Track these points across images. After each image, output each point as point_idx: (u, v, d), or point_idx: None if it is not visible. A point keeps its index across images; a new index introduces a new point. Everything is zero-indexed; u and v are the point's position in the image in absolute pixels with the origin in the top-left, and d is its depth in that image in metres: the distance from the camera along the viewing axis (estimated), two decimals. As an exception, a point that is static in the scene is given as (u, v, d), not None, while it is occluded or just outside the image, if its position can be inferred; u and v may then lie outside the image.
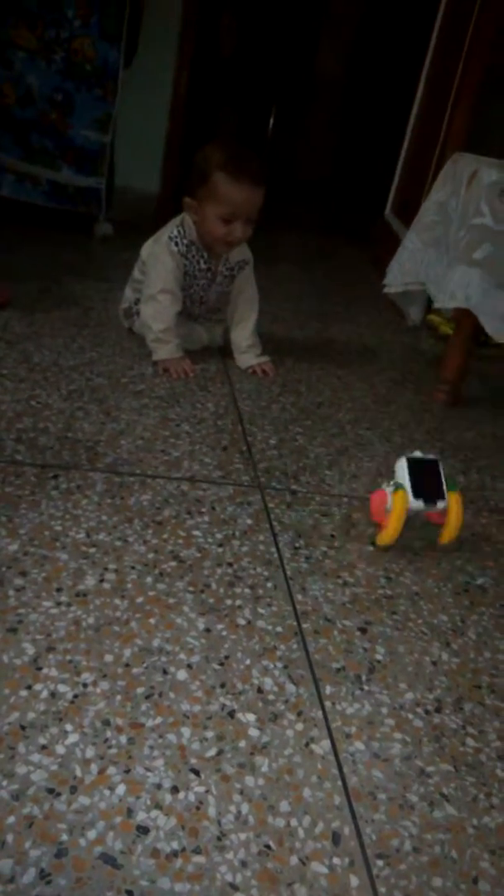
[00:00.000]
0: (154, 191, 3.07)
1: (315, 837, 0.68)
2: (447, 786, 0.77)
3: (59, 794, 0.67)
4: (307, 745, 0.78)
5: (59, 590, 0.92)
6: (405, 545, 1.16)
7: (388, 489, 1.13)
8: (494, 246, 1.49)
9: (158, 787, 0.70)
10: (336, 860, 0.67)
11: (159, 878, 0.62)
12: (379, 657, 0.92)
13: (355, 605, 1.01)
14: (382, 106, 3.96)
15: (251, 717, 0.79)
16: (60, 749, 0.71)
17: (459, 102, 2.11)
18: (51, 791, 0.67)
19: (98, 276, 2.19)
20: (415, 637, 0.97)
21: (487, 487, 1.41)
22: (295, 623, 0.95)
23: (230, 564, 1.04)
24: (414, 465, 1.13)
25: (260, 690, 0.83)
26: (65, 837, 0.64)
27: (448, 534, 1.15)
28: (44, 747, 0.71)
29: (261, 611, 0.96)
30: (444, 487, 1.13)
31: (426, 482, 1.12)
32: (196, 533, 1.09)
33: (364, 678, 0.88)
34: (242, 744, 0.76)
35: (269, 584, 1.01)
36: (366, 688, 0.87)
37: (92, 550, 1.01)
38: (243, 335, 1.75)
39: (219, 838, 0.66)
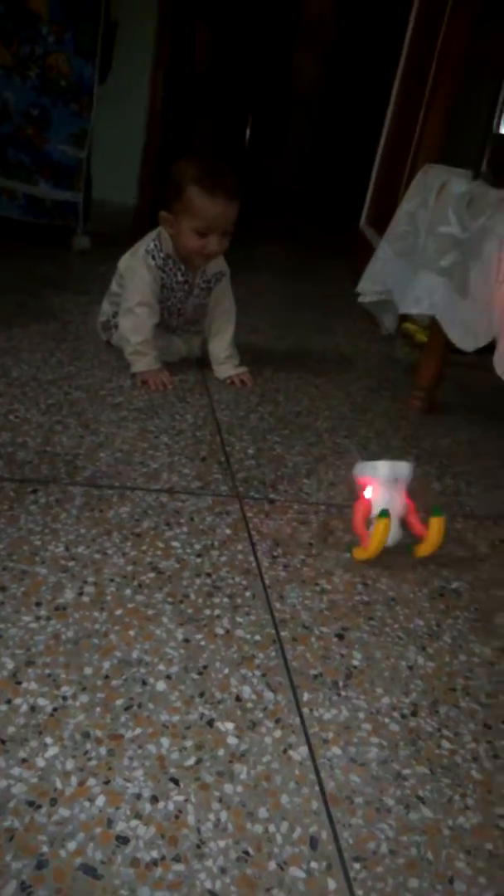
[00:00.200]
0: (131, 204, 3.09)
1: (293, 842, 0.70)
2: (423, 788, 0.78)
3: (39, 807, 0.68)
4: (285, 751, 0.79)
5: (38, 604, 0.92)
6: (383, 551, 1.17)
7: (374, 511, 1.14)
8: (460, 255, 1.52)
9: (138, 797, 0.71)
10: (314, 864, 0.68)
11: (139, 887, 0.63)
12: (356, 663, 0.94)
13: (332, 611, 1.02)
14: (357, 117, 4.01)
15: (230, 725, 0.81)
16: (40, 762, 0.72)
17: (430, 115, 2.14)
18: (31, 804, 0.68)
19: (76, 290, 2.20)
20: (391, 642, 0.99)
21: (462, 493, 1.43)
22: (273, 631, 0.96)
23: (209, 574, 1.05)
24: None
25: (238, 699, 0.84)
26: (45, 849, 0.64)
27: (425, 549, 1.17)
28: (24, 760, 0.72)
29: (239, 620, 0.97)
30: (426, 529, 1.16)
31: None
32: (175, 544, 1.11)
33: (341, 684, 0.90)
34: (221, 752, 0.77)
35: (248, 593, 1.03)
36: (343, 693, 0.88)
37: (71, 564, 1.01)
38: (221, 346, 1.76)
39: (198, 846, 0.67)
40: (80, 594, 0.96)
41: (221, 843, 0.68)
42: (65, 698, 0.80)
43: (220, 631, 0.94)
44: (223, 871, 0.66)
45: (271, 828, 0.70)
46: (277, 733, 0.81)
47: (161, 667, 0.86)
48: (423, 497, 1.27)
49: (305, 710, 0.85)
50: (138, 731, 0.77)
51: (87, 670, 0.84)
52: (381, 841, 0.71)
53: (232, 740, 0.79)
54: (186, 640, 0.92)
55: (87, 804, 0.69)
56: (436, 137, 2.06)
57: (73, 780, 0.71)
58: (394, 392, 1.89)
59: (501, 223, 1.39)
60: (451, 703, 0.90)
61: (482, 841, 0.74)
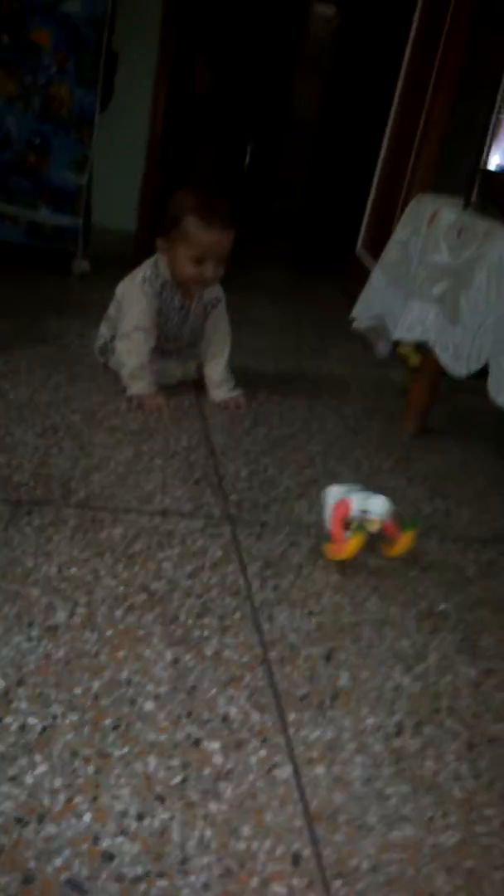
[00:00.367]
0: (132, 229, 3.14)
1: (275, 859, 0.71)
2: (405, 807, 0.79)
3: (27, 823, 0.69)
4: (270, 770, 0.80)
5: (30, 624, 0.94)
6: (364, 565, 1.19)
7: (351, 525, 1.17)
8: (451, 283, 1.55)
9: (124, 814, 0.72)
10: (295, 881, 0.69)
11: (123, 902, 0.65)
12: (342, 683, 0.95)
13: (320, 632, 1.04)
14: (355, 143, 4.08)
15: (216, 745, 0.82)
16: (29, 779, 0.74)
17: (424, 144, 2.19)
18: (19, 820, 0.69)
19: (75, 313, 2.24)
20: (378, 663, 1.00)
21: (452, 515, 1.45)
22: (261, 652, 0.98)
23: (199, 596, 1.07)
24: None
25: (225, 719, 0.86)
26: (32, 865, 0.66)
27: (394, 551, 1.22)
28: (13, 778, 0.73)
29: (228, 641, 0.99)
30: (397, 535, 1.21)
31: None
32: (166, 566, 1.13)
33: (327, 704, 0.91)
34: (207, 771, 0.79)
35: (237, 615, 1.05)
36: (329, 714, 0.90)
37: (63, 585, 1.03)
38: (217, 370, 1.79)
39: (182, 862, 0.69)
40: (72, 615, 0.98)
41: (205, 860, 0.69)
42: (54, 717, 0.81)
43: (208, 652, 0.96)
44: (206, 886, 0.67)
45: (254, 845, 0.72)
46: (263, 753, 0.82)
47: (150, 687, 0.88)
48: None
49: (291, 730, 0.86)
50: (126, 749, 0.79)
51: (77, 690, 0.86)
52: (363, 858, 0.73)
53: (218, 759, 0.80)
54: (175, 661, 0.93)
55: (73, 821, 0.70)
56: (430, 166, 2.11)
57: (61, 797, 0.73)
58: (387, 415, 1.91)
59: (491, 253, 1.42)
60: (436, 723, 0.92)
61: (462, 858, 0.75)
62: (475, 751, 0.89)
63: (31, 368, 1.77)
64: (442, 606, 1.16)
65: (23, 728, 0.79)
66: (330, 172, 4.92)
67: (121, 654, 0.92)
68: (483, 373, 1.49)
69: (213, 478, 1.42)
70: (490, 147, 1.60)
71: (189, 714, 0.85)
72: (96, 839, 0.69)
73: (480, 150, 1.64)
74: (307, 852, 0.72)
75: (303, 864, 0.71)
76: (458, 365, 1.55)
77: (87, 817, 0.71)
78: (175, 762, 0.79)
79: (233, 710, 0.87)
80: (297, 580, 1.15)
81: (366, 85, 4.05)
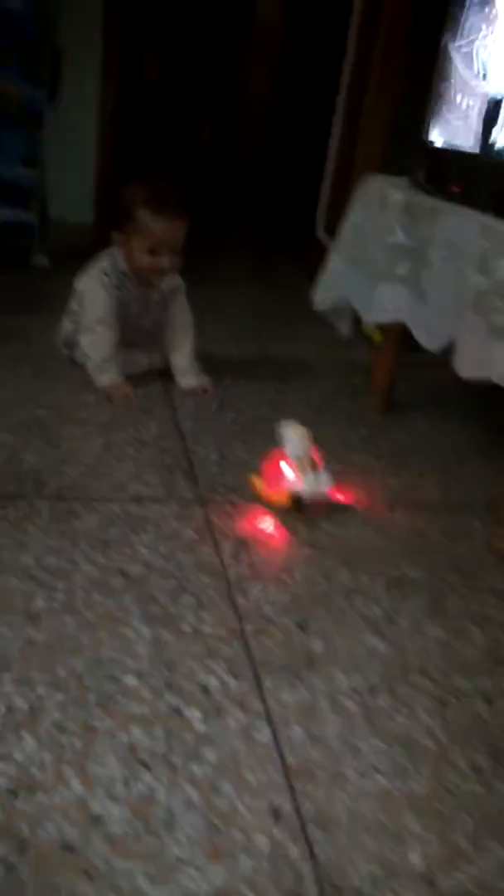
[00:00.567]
0: (89, 221, 3.14)
1: (257, 814, 0.75)
2: (378, 760, 0.84)
3: (18, 795, 0.73)
4: (249, 733, 0.84)
5: (11, 612, 0.97)
6: (335, 538, 1.24)
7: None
8: (412, 261, 1.59)
9: (111, 781, 0.76)
10: (276, 832, 0.74)
11: (114, 859, 0.68)
12: (317, 650, 1.00)
13: (294, 604, 1.08)
14: (309, 124, 4.09)
15: (196, 713, 0.86)
16: (19, 756, 0.77)
17: (371, 124, 2.23)
18: (11, 792, 0.73)
19: (37, 309, 2.24)
20: (350, 629, 1.05)
21: (418, 486, 1.50)
22: (237, 625, 1.02)
23: (174, 577, 1.10)
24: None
25: (205, 688, 0.90)
26: (26, 831, 0.69)
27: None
28: (2, 755, 0.77)
29: (205, 617, 1.03)
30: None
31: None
32: (142, 549, 1.16)
33: (302, 670, 0.96)
34: (189, 737, 0.83)
35: (213, 592, 1.08)
36: (304, 678, 0.94)
37: (41, 574, 1.06)
38: (182, 358, 1.82)
39: (168, 822, 0.73)
40: (52, 602, 1.01)
41: (190, 818, 0.73)
42: (40, 697, 0.84)
43: (186, 628, 1.00)
44: (192, 841, 0.71)
45: (236, 801, 0.76)
46: (242, 718, 0.86)
47: (131, 664, 0.92)
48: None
49: (268, 696, 0.90)
50: (110, 723, 0.83)
51: (61, 671, 0.89)
52: (339, 808, 0.77)
53: (199, 726, 0.84)
54: (154, 639, 0.97)
55: (63, 790, 0.74)
56: (378, 146, 2.14)
57: (50, 769, 0.76)
58: (353, 394, 1.96)
59: (439, 232, 1.46)
60: (406, 681, 0.97)
61: (433, 804, 0.80)
62: (444, 705, 0.94)
63: (-2, 366, 1.78)
64: (410, 573, 1.20)
65: (10, 709, 0.82)
66: (287, 153, 4.94)
67: (101, 634, 0.96)
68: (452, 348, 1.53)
69: (183, 463, 1.46)
70: (431, 124, 1.63)
71: (169, 686, 0.89)
72: (85, 805, 0.73)
73: (424, 127, 1.68)
74: (287, 806, 0.77)
75: (283, 817, 0.75)
76: (431, 341, 1.57)
77: (76, 785, 0.75)
78: (158, 731, 0.82)
79: (212, 681, 0.91)
80: (270, 556, 1.19)
81: (317, 62, 4.07)
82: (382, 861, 0.73)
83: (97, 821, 0.72)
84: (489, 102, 1.47)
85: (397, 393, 1.88)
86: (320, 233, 3.10)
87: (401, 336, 1.75)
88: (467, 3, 1.55)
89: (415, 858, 0.74)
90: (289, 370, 2.06)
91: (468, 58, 1.56)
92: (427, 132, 1.67)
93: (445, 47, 1.64)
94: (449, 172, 1.57)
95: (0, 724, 0.80)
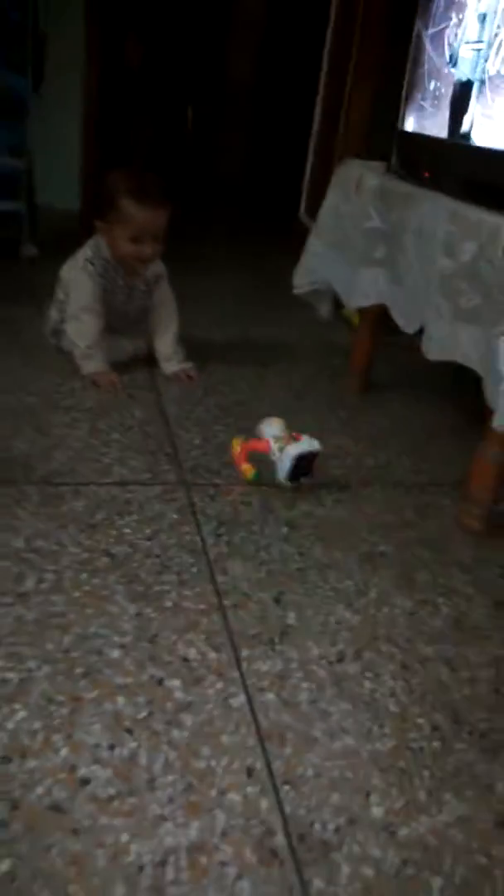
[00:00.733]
0: (76, 208, 3.16)
1: (231, 773, 0.81)
2: (346, 721, 0.90)
3: (10, 761, 0.79)
4: (225, 700, 0.91)
5: (2, 593, 1.03)
6: (311, 517, 1.30)
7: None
8: (387, 245, 1.64)
9: (97, 746, 0.82)
10: (249, 789, 0.80)
11: (100, 817, 0.75)
12: (290, 622, 1.06)
13: (270, 579, 1.14)
14: (292, 107, 4.10)
15: (177, 682, 0.92)
16: (10, 725, 0.83)
17: (350, 108, 2.26)
18: (3, 759, 0.79)
19: (25, 298, 2.28)
20: (322, 601, 1.11)
21: (392, 464, 1.56)
22: (216, 600, 1.08)
23: (157, 556, 1.16)
24: (299, 459, 1.30)
25: (185, 660, 0.96)
26: (17, 794, 0.76)
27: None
28: (-5, 725, 0.83)
29: (186, 593, 1.09)
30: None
31: (302, 469, 1.34)
32: (126, 531, 1.22)
33: (276, 640, 1.02)
34: (169, 705, 0.89)
35: (194, 570, 1.14)
36: (278, 648, 1.00)
37: (31, 556, 1.12)
38: (166, 344, 1.87)
39: (149, 782, 0.79)
40: (40, 582, 1.07)
41: (170, 778, 0.80)
42: (30, 670, 0.90)
43: (168, 604, 1.06)
44: (171, 799, 0.77)
45: (213, 762, 0.82)
46: (219, 685, 0.93)
47: (115, 638, 0.98)
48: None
49: (244, 665, 0.97)
50: (96, 693, 0.89)
51: (49, 646, 0.95)
52: (308, 766, 0.84)
53: (179, 694, 0.90)
54: (138, 614, 1.03)
55: (52, 755, 0.80)
56: (356, 129, 2.17)
57: (40, 737, 0.82)
58: (332, 376, 2.01)
59: (412, 218, 1.51)
60: (374, 649, 1.03)
61: (395, 761, 0.86)
62: (409, 670, 1.00)
63: (-14, 355, 1.82)
64: (381, 548, 1.27)
65: (1, 682, 0.88)
66: (270, 135, 4.94)
67: (88, 611, 1.02)
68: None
69: (167, 447, 1.51)
70: (405, 109, 1.67)
71: (152, 658, 0.95)
72: (73, 769, 0.79)
73: (399, 113, 1.71)
74: (259, 765, 0.83)
75: (255, 775, 0.82)
76: (407, 323, 1.62)
77: (64, 751, 0.81)
78: (141, 699, 0.89)
79: (191, 652, 0.97)
80: (249, 535, 1.25)
81: (299, 46, 4.07)
82: (347, 813, 0.79)
83: (84, 783, 0.78)
84: (455, 87, 1.51)
85: (375, 374, 1.94)
86: (303, 215, 3.14)
87: (378, 318, 1.80)
88: (437, -10, 1.58)
89: (377, 811, 0.80)
90: (270, 354, 2.11)
91: (439, 44, 1.60)
92: (401, 118, 1.71)
93: (418, 34, 1.68)
94: (420, 158, 1.61)
95: (-8, 696, 0.86)
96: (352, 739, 0.88)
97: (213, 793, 0.79)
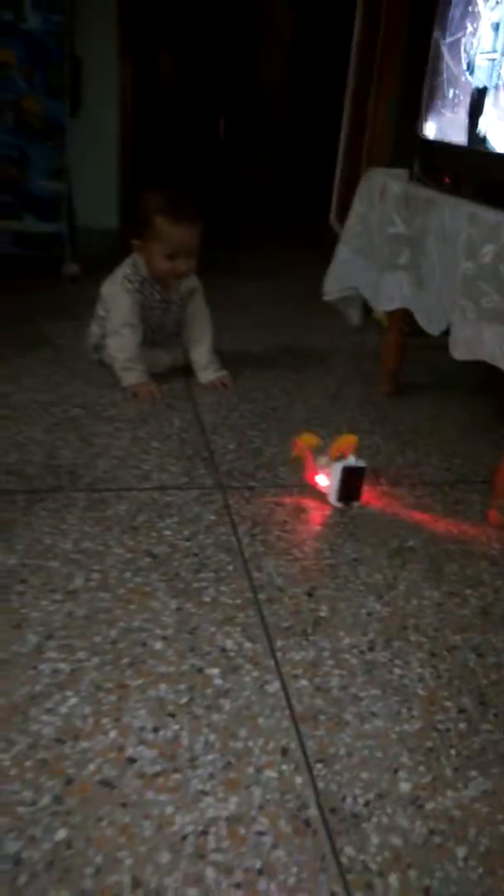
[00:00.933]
0: (115, 227, 3.27)
1: (267, 752, 0.88)
2: (375, 705, 0.96)
3: (64, 742, 0.86)
4: (261, 686, 0.97)
5: (53, 591, 1.11)
6: (342, 516, 1.35)
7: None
8: (411, 250, 1.68)
9: (142, 729, 0.89)
10: (284, 767, 0.86)
11: (145, 792, 0.81)
12: (322, 614, 1.11)
13: (303, 575, 1.20)
14: (321, 114, 4.16)
15: (216, 670, 0.99)
16: (63, 710, 0.91)
17: (375, 116, 2.30)
18: (58, 740, 0.86)
19: (68, 315, 2.38)
20: (353, 595, 1.16)
21: (422, 463, 1.60)
22: (252, 595, 1.14)
23: (196, 555, 1.23)
24: (348, 472, 1.34)
25: (223, 650, 1.02)
26: (71, 771, 0.83)
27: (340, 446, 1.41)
28: (49, 710, 0.90)
29: (223, 589, 1.15)
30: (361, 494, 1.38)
31: (351, 489, 1.37)
32: (167, 532, 1.29)
33: (309, 631, 1.07)
34: (209, 691, 0.95)
35: (230, 568, 1.21)
36: (311, 639, 1.06)
37: (79, 557, 1.20)
38: (201, 354, 1.94)
39: (191, 760, 0.86)
40: (88, 580, 1.14)
41: (210, 757, 0.86)
42: (80, 661, 0.98)
43: (206, 599, 1.12)
44: (212, 776, 0.84)
45: (250, 743, 0.88)
46: (255, 673, 0.99)
47: (158, 631, 1.05)
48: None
49: (279, 654, 1.03)
50: (141, 681, 0.96)
51: (97, 639, 1.02)
52: (339, 746, 0.89)
53: (218, 681, 0.97)
54: (179, 609, 1.10)
55: (101, 737, 0.87)
56: (381, 138, 2.22)
57: (90, 721, 0.89)
58: (365, 380, 2.06)
59: (434, 221, 1.55)
60: (403, 638, 1.08)
61: (423, 741, 0.91)
62: (437, 657, 1.05)
63: (33, 371, 1.92)
64: (411, 543, 1.31)
65: (55, 671, 0.96)
66: (302, 142, 5.01)
67: (132, 607, 1.09)
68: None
69: (204, 453, 1.58)
70: (426, 117, 1.71)
71: (192, 649, 1.02)
72: (121, 749, 0.86)
73: (419, 121, 1.76)
74: (293, 745, 0.89)
75: (290, 755, 0.88)
76: (431, 325, 1.66)
77: (113, 733, 0.88)
78: (182, 686, 0.95)
79: (229, 643, 1.04)
80: (283, 534, 1.31)
81: (327, 56, 4.13)
82: (376, 789, 0.85)
83: (131, 761, 0.85)
84: (473, 94, 1.55)
85: (406, 375, 1.98)
86: (333, 221, 3.19)
87: (406, 321, 1.85)
88: (453, 1, 1.62)
89: (405, 787, 0.85)
90: (302, 359, 2.17)
91: (456, 53, 1.64)
92: (422, 125, 1.76)
93: (436, 43, 1.73)
94: (441, 164, 1.65)
95: (46, 685, 0.94)
96: (381, 721, 0.93)
97: (251, 770, 0.85)
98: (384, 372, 1.95)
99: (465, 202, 1.47)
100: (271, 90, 5.36)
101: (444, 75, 1.70)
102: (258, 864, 0.75)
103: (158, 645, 1.02)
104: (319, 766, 0.87)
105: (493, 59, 1.46)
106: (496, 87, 1.46)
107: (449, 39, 1.68)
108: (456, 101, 1.64)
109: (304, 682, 0.98)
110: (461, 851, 0.78)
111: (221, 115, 5.27)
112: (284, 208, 4.99)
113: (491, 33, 1.48)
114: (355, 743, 0.90)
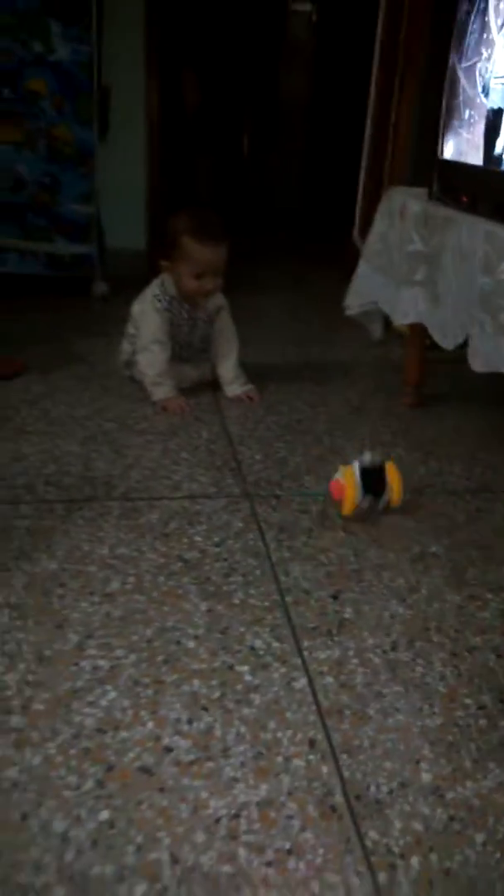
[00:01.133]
0: (142, 248, 3.37)
1: (296, 744, 0.93)
2: (399, 702, 1.00)
3: (105, 732, 0.92)
4: (289, 683, 1.02)
5: (91, 593, 1.17)
6: (369, 520, 1.40)
7: (339, 476, 1.39)
8: (427, 268, 1.74)
9: (178, 721, 0.95)
10: (311, 757, 0.91)
11: (182, 778, 0.87)
12: (347, 616, 1.17)
13: (328, 579, 1.26)
14: (344, 130, 4.23)
15: (246, 668, 1.04)
16: (104, 703, 0.97)
17: (396, 136, 2.37)
18: (99, 730, 0.92)
19: (99, 333, 2.47)
20: (377, 598, 1.21)
21: (444, 472, 1.65)
22: (279, 598, 1.20)
23: (225, 560, 1.29)
24: (364, 472, 1.39)
25: (252, 649, 1.08)
26: (112, 759, 0.89)
27: (396, 495, 1.42)
28: (91, 703, 0.96)
29: (251, 592, 1.21)
30: (387, 480, 1.39)
31: (373, 483, 1.39)
32: (197, 539, 1.35)
33: (335, 632, 1.13)
34: (239, 686, 1.01)
35: (258, 572, 1.26)
36: (336, 639, 1.11)
37: (115, 562, 1.26)
38: (228, 368, 2.01)
39: (224, 750, 0.91)
40: (124, 584, 1.21)
41: (241, 748, 0.91)
42: (118, 658, 1.04)
43: (236, 601, 1.18)
44: (243, 764, 0.89)
45: (279, 734, 0.94)
46: (283, 670, 1.04)
47: (190, 631, 1.11)
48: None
49: (306, 653, 1.08)
50: (175, 676, 1.02)
51: (134, 637, 1.08)
52: (364, 739, 0.94)
53: (248, 678, 1.02)
54: (209, 611, 1.16)
55: (140, 728, 0.93)
56: (402, 157, 2.28)
57: (129, 713, 0.95)
58: (387, 392, 2.11)
59: (451, 239, 1.61)
60: (425, 639, 1.13)
61: (444, 735, 0.96)
62: (458, 657, 1.09)
63: (68, 387, 2.01)
64: (433, 549, 1.36)
65: (95, 668, 1.02)
66: (325, 160, 5.09)
67: (165, 609, 1.15)
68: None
69: (232, 463, 1.64)
70: (444, 138, 1.77)
71: (223, 648, 1.07)
72: (158, 739, 0.92)
73: (438, 142, 1.82)
74: (320, 737, 0.94)
75: (317, 746, 0.93)
76: (446, 340, 1.72)
77: (150, 725, 0.94)
78: (214, 682, 1.01)
79: (258, 643, 1.09)
80: (308, 540, 1.37)
81: (348, 76, 4.21)
82: (399, 778, 0.89)
83: (168, 750, 0.90)
84: (489, 115, 1.61)
85: (429, 387, 2.03)
86: (356, 238, 3.25)
87: (427, 334, 1.90)
88: (469, 29, 1.69)
89: (426, 777, 0.90)
90: (327, 372, 2.23)
91: (472, 76, 1.70)
92: (441, 146, 1.82)
93: (453, 67, 1.79)
94: (459, 183, 1.71)
95: (87, 680, 1.00)
96: (403, 717, 0.98)
97: (280, 759, 0.90)
98: (406, 384, 2.00)
99: (482, 220, 1.53)
100: (294, 108, 5.46)
101: (461, 97, 1.76)
102: (287, 845, 0.80)
103: (191, 644, 1.08)
104: (345, 756, 0.91)
105: (508, 83, 1.51)
106: (511, 109, 1.51)
107: (465, 64, 1.74)
108: (472, 121, 1.70)
109: (329, 679, 1.03)
110: (480, 837, 0.83)
111: (245, 134, 5.37)
112: (308, 225, 5.07)
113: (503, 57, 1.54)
114: (379, 736, 0.95)
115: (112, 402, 1.94)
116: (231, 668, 1.04)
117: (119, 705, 0.96)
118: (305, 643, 1.10)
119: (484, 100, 1.65)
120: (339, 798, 0.86)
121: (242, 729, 0.94)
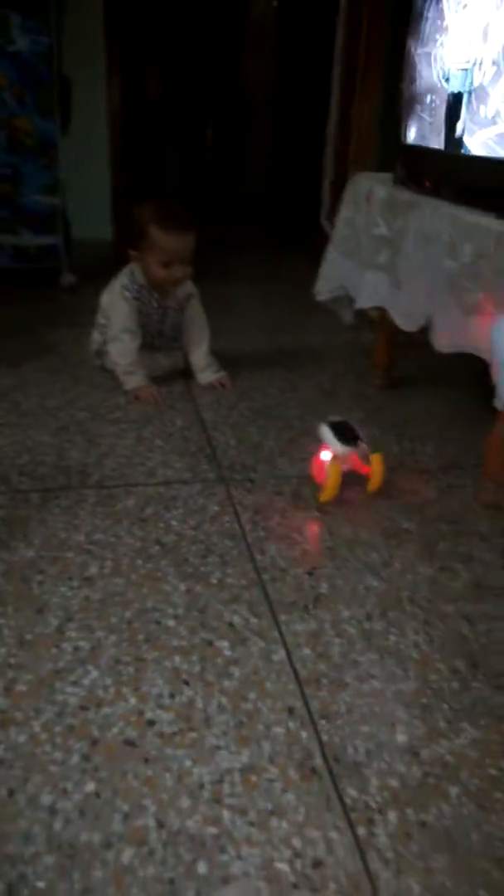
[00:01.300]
0: (109, 238, 3.36)
1: (275, 712, 0.95)
2: (373, 669, 1.04)
3: (88, 709, 0.94)
4: (268, 655, 1.05)
5: (70, 578, 1.19)
6: (343, 499, 1.43)
7: (325, 458, 1.42)
8: (390, 252, 1.77)
9: (160, 695, 0.97)
10: (291, 724, 0.94)
11: (165, 749, 0.89)
12: (323, 591, 1.19)
13: (304, 557, 1.28)
14: (307, 117, 4.25)
15: (225, 643, 1.07)
16: (86, 682, 0.98)
17: (358, 121, 2.39)
18: (83, 707, 0.94)
19: (69, 323, 2.47)
20: (351, 573, 1.24)
21: (417, 452, 1.68)
22: (256, 576, 1.22)
23: (202, 542, 1.31)
24: (332, 426, 1.43)
25: (231, 625, 1.10)
26: (96, 734, 0.91)
27: (374, 483, 1.45)
28: (74, 682, 0.98)
29: (229, 571, 1.23)
30: (359, 433, 1.45)
31: (345, 433, 1.44)
32: (174, 523, 1.37)
33: (311, 606, 1.15)
34: (219, 661, 1.03)
35: (235, 552, 1.29)
36: (312, 612, 1.14)
37: (92, 547, 1.28)
38: (200, 356, 2.03)
39: (205, 720, 0.93)
40: (102, 568, 1.22)
41: (223, 717, 0.94)
42: (99, 639, 1.06)
43: (214, 581, 1.20)
44: (225, 733, 0.92)
45: (259, 704, 0.96)
46: (261, 644, 1.07)
47: (170, 610, 1.13)
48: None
49: (283, 627, 1.10)
50: (156, 654, 1.04)
51: (114, 619, 1.10)
52: (341, 705, 0.97)
53: (227, 652, 1.05)
54: (188, 591, 1.18)
55: (123, 704, 0.95)
56: (365, 142, 2.31)
57: (111, 690, 0.97)
58: (358, 375, 2.14)
59: (413, 222, 1.64)
60: (399, 609, 1.16)
61: (418, 698, 0.99)
62: (430, 626, 1.13)
63: (38, 379, 2.01)
64: (405, 525, 1.39)
65: (76, 649, 1.04)
66: (290, 148, 5.10)
67: (144, 591, 1.17)
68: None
69: (206, 449, 1.66)
70: (407, 122, 1.80)
71: (202, 625, 1.10)
72: (141, 713, 0.94)
73: (401, 127, 1.85)
74: (299, 705, 0.97)
75: (296, 713, 0.95)
76: (407, 323, 1.76)
77: (133, 700, 0.96)
78: (194, 658, 1.03)
79: (236, 619, 1.11)
80: (283, 520, 1.39)
81: (312, 63, 4.23)
82: (375, 740, 0.92)
83: (151, 723, 0.93)
84: (448, 100, 1.64)
85: (399, 369, 2.06)
86: (324, 222, 3.28)
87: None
88: (424, 15, 1.71)
89: (402, 738, 0.93)
90: (297, 358, 2.25)
91: (429, 62, 1.73)
92: (404, 131, 1.84)
93: (409, 52, 1.81)
94: (422, 168, 1.74)
95: (69, 661, 1.02)
96: (379, 682, 1.01)
97: (260, 727, 0.93)
98: (376, 367, 2.04)
99: (445, 204, 1.56)
100: (258, 99, 5.47)
101: (421, 82, 1.79)
102: (270, 806, 0.83)
103: (171, 622, 1.10)
104: (323, 721, 0.94)
105: (465, 70, 1.54)
106: (469, 93, 1.54)
107: (422, 50, 1.77)
108: (433, 106, 1.73)
109: (307, 651, 1.06)
110: (454, 791, 0.86)
111: (209, 126, 5.38)
112: (276, 213, 5.08)
113: (460, 44, 1.57)
114: (355, 701, 0.98)
115: (84, 392, 1.94)
116: (210, 643, 1.06)
117: (101, 683, 0.98)
118: (283, 617, 1.12)
119: (444, 84, 1.68)
120: (318, 761, 0.89)
121: (223, 700, 0.97)
